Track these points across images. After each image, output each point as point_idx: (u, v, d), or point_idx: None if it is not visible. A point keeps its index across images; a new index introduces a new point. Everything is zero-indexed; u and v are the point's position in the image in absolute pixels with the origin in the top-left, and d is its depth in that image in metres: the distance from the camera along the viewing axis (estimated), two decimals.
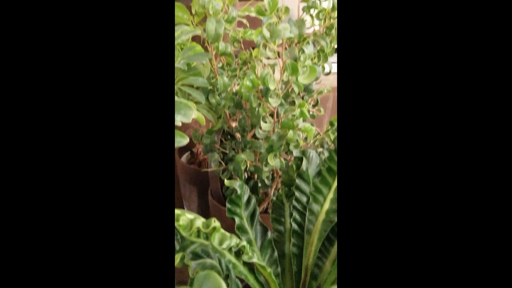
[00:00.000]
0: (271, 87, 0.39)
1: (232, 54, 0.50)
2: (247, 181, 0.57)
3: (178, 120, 0.32)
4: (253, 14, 0.66)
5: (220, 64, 0.57)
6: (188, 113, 0.32)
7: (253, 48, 0.53)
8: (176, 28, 0.37)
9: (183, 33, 0.37)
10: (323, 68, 0.53)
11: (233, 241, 0.29)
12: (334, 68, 0.98)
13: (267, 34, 0.37)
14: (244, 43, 0.59)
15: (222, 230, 0.29)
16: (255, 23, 0.69)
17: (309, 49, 0.40)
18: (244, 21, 0.60)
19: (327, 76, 0.59)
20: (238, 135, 0.57)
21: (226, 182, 0.42)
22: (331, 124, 0.53)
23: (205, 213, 0.68)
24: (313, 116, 0.55)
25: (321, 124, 0.87)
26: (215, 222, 0.27)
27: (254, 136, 0.55)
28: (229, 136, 0.59)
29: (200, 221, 0.27)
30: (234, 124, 0.59)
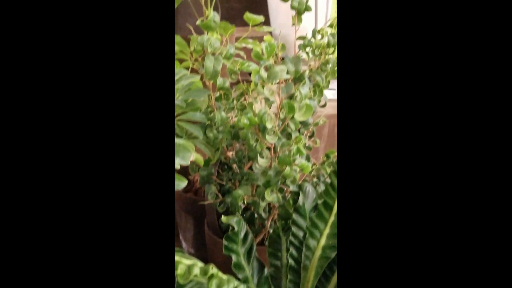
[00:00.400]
0: (268, 125, 0.39)
1: (230, 89, 0.51)
2: (243, 212, 0.57)
3: (177, 163, 0.33)
4: (250, 46, 0.67)
5: (218, 94, 0.57)
6: (186, 156, 0.33)
7: (251, 76, 0.54)
8: (175, 71, 0.38)
9: (182, 78, 0.38)
10: (319, 101, 0.54)
11: (230, 286, 0.29)
12: (329, 96, 1.00)
13: (264, 75, 0.38)
14: (242, 73, 0.60)
15: (220, 274, 0.29)
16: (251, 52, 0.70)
17: (305, 90, 0.41)
18: (242, 53, 0.62)
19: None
20: (235, 166, 0.57)
21: (223, 218, 0.42)
22: (327, 156, 0.54)
23: (201, 243, 0.68)
24: (309, 148, 0.55)
25: (318, 150, 0.87)
26: (212, 269, 0.27)
27: (251, 168, 0.56)
28: (226, 167, 0.60)
29: (198, 268, 0.27)
30: (231, 154, 0.60)
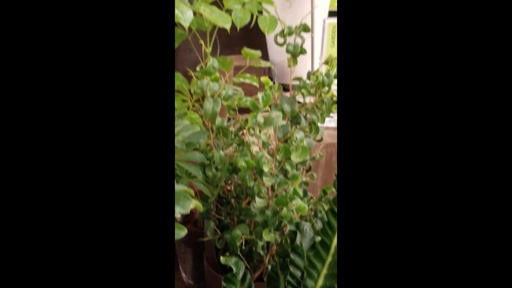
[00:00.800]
0: (265, 169, 0.40)
1: (228, 128, 0.52)
2: (242, 247, 0.57)
3: (177, 211, 0.33)
4: (247, 81, 0.69)
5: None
6: (186, 204, 0.34)
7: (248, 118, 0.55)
8: (177, 122, 0.40)
9: (183, 129, 0.39)
10: (315, 137, 0.55)
11: None
12: (325, 123, 1.00)
13: (261, 121, 0.39)
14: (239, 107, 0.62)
15: None
16: (249, 87, 0.72)
17: (300, 135, 0.42)
18: (239, 89, 0.63)
19: None
20: (233, 201, 0.58)
21: (222, 259, 0.43)
22: (324, 192, 0.55)
23: (200, 274, 0.68)
24: (306, 184, 0.56)
25: (316, 178, 0.88)
26: None
27: (249, 202, 0.57)
28: (224, 201, 0.60)
29: None
30: (229, 188, 0.61)
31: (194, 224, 0.74)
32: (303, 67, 1.05)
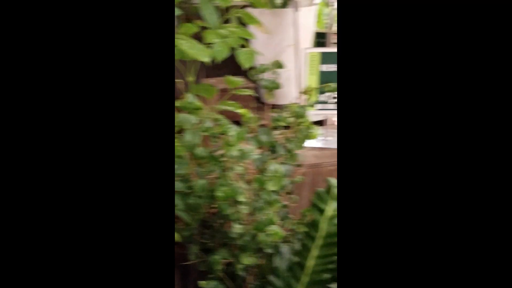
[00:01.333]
0: (241, 199, 0.43)
1: (209, 157, 0.55)
2: (225, 268, 0.60)
3: None
4: (231, 108, 0.72)
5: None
6: None
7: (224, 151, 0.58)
8: None
9: None
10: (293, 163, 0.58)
11: None
12: (311, 144, 1.02)
13: (236, 154, 0.42)
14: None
15: None
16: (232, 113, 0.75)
17: (274, 166, 0.45)
18: (221, 117, 0.66)
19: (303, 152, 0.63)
20: (216, 224, 0.61)
21: (202, 283, 0.45)
22: (303, 215, 0.57)
23: None
24: (286, 206, 0.59)
25: (301, 197, 0.90)
26: None
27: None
28: (208, 223, 0.63)
29: None
30: (213, 211, 0.63)
31: (181, 246, 0.76)
32: (290, 89, 1.08)
